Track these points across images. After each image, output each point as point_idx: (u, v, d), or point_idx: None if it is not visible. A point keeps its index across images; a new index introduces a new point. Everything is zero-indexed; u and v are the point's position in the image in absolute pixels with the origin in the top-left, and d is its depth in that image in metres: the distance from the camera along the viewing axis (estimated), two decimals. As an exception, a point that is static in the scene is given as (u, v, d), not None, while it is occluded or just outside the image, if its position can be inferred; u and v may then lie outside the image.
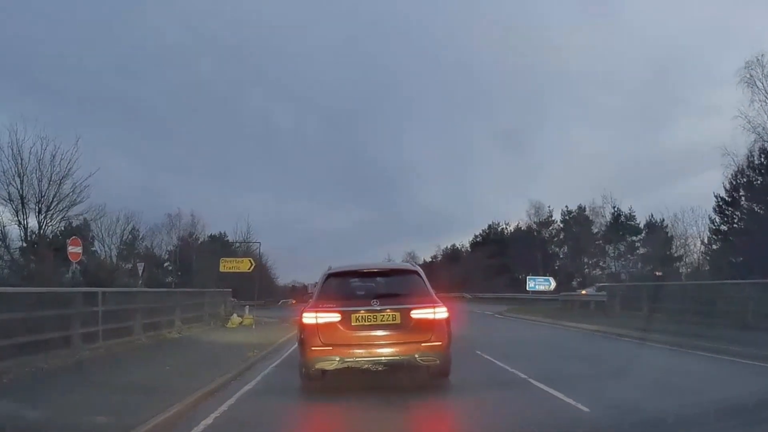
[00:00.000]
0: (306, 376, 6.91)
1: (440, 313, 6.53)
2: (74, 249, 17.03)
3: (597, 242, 49.39)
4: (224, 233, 58.13)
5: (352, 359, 6.46)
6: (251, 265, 17.55)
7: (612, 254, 37.04)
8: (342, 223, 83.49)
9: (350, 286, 7.02)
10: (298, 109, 79.47)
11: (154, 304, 13.63)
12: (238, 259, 18.72)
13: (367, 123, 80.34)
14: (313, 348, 6.47)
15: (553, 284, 40.47)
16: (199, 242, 48.53)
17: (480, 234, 64.02)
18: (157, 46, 69.09)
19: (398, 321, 6.39)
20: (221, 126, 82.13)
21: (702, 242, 31.52)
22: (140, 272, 34.79)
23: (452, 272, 62.09)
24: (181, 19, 71.00)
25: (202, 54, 73.82)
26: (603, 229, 47.23)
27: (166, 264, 48.27)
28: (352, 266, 7.46)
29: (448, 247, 72.81)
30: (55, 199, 24.70)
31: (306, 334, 6.56)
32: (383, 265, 8.42)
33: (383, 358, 6.46)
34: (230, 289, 20.31)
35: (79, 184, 24.94)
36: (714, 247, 30.08)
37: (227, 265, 18.13)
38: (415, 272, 7.14)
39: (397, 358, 6.47)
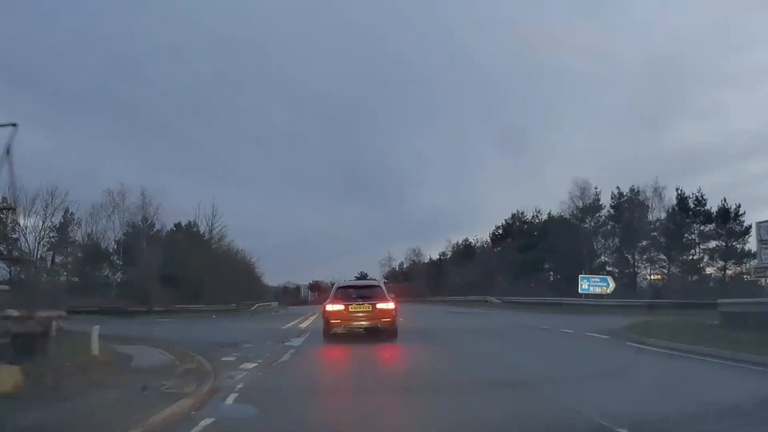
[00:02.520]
0: (326, 337, 13.19)
1: (390, 305, 13.07)
2: None
3: (653, 234, 39.86)
4: (193, 222, 48.33)
5: (349, 326, 13.06)
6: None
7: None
8: (342, 220, 77.85)
9: (348, 292, 13.60)
10: (297, 108, 73.02)
11: None
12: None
13: (369, 120, 76.33)
14: (331, 321, 13.01)
15: (612, 285, 31.07)
16: (155, 229, 38.38)
17: (502, 225, 53.75)
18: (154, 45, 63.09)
19: (370, 309, 12.87)
20: (220, 125, 76.38)
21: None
22: (49, 262, 25.37)
23: (467, 271, 52.50)
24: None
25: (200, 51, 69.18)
26: (665, 215, 37.70)
27: (112, 257, 38.34)
28: (348, 282, 16.09)
29: (460, 242, 63.25)
30: None
31: (328, 315, 13.10)
32: (363, 282, 18.00)
33: (363, 326, 13.03)
34: (6, 287, 10.41)
35: None
36: None
37: None
38: (379, 285, 14.82)
39: (371, 327, 12.97)
